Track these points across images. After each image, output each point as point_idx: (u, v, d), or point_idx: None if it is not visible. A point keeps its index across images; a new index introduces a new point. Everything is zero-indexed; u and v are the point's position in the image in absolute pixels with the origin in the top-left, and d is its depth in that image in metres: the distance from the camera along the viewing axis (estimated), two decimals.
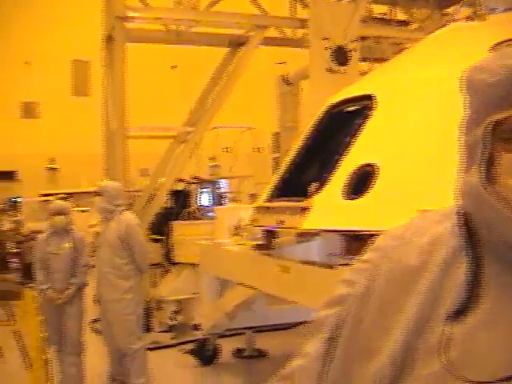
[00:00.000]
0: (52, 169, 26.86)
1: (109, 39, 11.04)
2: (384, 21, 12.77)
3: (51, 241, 7.48)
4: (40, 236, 7.79)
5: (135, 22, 10.71)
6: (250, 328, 8.94)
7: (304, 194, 5.61)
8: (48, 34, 26.40)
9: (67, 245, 7.41)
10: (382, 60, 10.79)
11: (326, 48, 10.20)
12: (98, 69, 25.08)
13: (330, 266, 5.11)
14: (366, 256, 1.34)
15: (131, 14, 10.20)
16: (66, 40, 26.33)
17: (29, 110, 27.14)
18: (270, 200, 6.29)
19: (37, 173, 25.81)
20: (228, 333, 9.06)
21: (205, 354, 8.67)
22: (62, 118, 26.05)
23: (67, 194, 20.13)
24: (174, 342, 9.73)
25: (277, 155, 22.09)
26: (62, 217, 7.47)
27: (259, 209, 6.30)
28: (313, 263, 5.60)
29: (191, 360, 8.78)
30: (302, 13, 11.91)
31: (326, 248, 5.90)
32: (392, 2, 12.85)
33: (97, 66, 25.16)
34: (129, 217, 6.96)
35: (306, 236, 6.26)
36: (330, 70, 10.16)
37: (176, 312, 9.95)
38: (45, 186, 23.29)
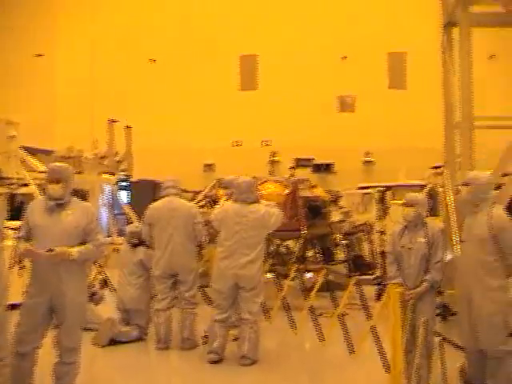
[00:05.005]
0: (368, 162, 27.11)
1: (448, 25, 10.61)
2: None
3: (405, 234, 7.25)
4: (394, 228, 7.61)
5: (476, 4, 10.01)
6: None
7: None
8: (363, 28, 26.65)
9: (421, 239, 7.12)
10: None
11: None
12: (413, 60, 25.33)
13: None
14: None
15: None
16: (380, 33, 26.40)
17: (345, 104, 27.66)
18: None
19: (353, 166, 26.26)
20: None
21: None
22: (377, 111, 26.17)
23: (384, 187, 20.06)
24: None
25: None
26: (410, 209, 7.22)
27: None
28: None
29: None
30: None
31: None
32: None
33: (412, 56, 25.37)
34: (499, 212, 6.46)
35: None
36: None
37: None
38: (361, 179, 23.52)
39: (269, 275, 12.02)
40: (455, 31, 10.27)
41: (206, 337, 8.94)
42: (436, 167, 15.43)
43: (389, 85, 27.21)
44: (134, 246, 9.90)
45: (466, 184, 6.62)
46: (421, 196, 7.63)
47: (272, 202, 9.25)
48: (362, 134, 25.76)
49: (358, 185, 21.74)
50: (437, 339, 6.50)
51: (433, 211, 12.64)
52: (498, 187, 8.60)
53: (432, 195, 14.86)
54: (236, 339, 8.83)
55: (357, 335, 8.58)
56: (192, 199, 15.45)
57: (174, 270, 9.27)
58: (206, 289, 10.76)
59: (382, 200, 18.71)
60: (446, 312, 9.64)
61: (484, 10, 10.13)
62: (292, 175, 13.73)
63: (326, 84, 26.64)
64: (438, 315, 7.46)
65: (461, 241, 6.80)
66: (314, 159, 26.90)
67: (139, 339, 9.61)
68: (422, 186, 16.60)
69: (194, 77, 27.00)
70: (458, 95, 9.93)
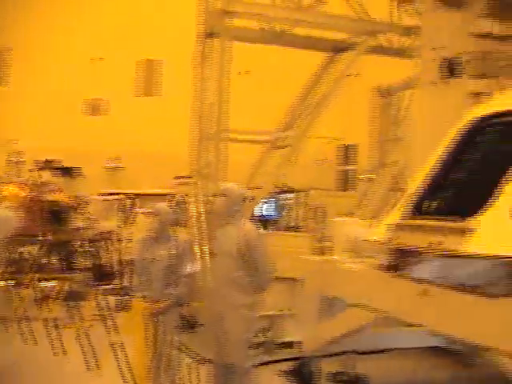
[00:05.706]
0: (115, 168, 26.56)
1: (206, 36, 10.64)
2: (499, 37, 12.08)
3: (151, 244, 6.95)
4: (139, 238, 7.30)
5: (236, 18, 10.12)
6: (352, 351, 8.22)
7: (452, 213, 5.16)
8: (119, 33, 26.18)
9: (166, 251, 6.85)
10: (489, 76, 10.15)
11: (435, 59, 9.65)
12: (169, 68, 25.31)
13: (496, 295, 4.59)
14: None
15: (235, 8, 9.72)
16: (137, 39, 26.11)
17: (94, 108, 26.97)
18: (408, 218, 5.69)
19: (99, 171, 25.59)
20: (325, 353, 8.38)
21: (303, 375, 7.99)
22: (129, 117, 25.81)
23: (130, 194, 19.78)
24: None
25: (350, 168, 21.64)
26: (155, 219, 6.99)
27: (399, 226, 5.68)
28: (462, 289, 5.06)
29: (283, 380, 8.12)
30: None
31: (487, 274, 5.25)
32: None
33: (168, 65, 25.36)
34: (250, 226, 6.36)
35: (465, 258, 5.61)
36: (437, 83, 9.58)
37: (265, 328, 9.30)
38: (109, 185, 23.01)
39: (3, 283, 11.18)
40: (212, 43, 10.30)
41: None
42: (182, 177, 15.43)
43: (143, 91, 27.03)
44: None
45: (220, 195, 6.47)
46: (165, 206, 7.40)
47: (11, 205, 8.60)
48: (112, 139, 25.14)
49: (103, 191, 21.23)
50: (188, 360, 6.33)
51: (178, 222, 12.61)
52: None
53: (178, 205, 14.89)
54: None
55: (100, 348, 8.13)
56: None
57: None
58: None
59: (127, 208, 18.42)
60: (190, 323, 9.55)
61: (244, 25, 10.28)
62: (35, 177, 12.95)
63: (77, 85, 25.68)
64: (181, 327, 7.26)
65: (211, 254, 6.65)
66: (60, 162, 25.81)
67: None
68: (169, 196, 16.63)
69: None
70: (212, 107, 9.98)
